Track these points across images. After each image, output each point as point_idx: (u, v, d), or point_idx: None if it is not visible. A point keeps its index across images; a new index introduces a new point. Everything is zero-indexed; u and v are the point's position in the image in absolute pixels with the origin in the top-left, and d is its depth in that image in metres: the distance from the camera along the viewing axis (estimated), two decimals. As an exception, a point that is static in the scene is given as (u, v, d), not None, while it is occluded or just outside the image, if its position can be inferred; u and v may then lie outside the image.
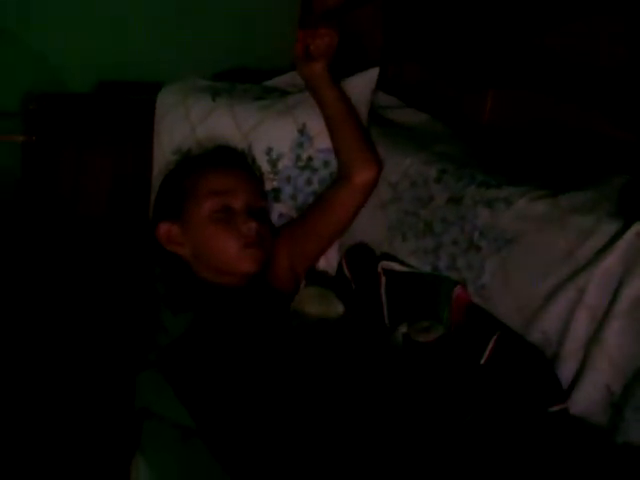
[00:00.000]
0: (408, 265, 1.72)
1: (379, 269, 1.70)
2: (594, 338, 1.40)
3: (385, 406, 1.39)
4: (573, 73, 1.82)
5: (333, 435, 1.34)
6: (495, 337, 1.50)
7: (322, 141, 1.87)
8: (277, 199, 1.90)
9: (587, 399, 1.41)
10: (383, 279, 1.69)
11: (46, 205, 1.90)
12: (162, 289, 1.67)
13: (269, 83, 2.07)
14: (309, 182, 1.90)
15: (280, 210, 1.91)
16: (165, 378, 1.52)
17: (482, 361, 1.50)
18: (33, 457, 1.43)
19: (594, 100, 1.77)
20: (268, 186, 1.89)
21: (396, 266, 1.70)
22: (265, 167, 1.90)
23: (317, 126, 1.87)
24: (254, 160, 1.90)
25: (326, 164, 1.89)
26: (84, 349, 1.58)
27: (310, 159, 1.89)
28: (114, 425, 1.49)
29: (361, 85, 1.92)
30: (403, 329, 1.58)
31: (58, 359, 1.56)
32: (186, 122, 1.92)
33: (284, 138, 1.89)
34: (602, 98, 1.76)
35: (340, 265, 1.83)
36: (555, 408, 1.41)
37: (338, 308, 1.66)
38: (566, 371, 1.45)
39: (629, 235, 1.39)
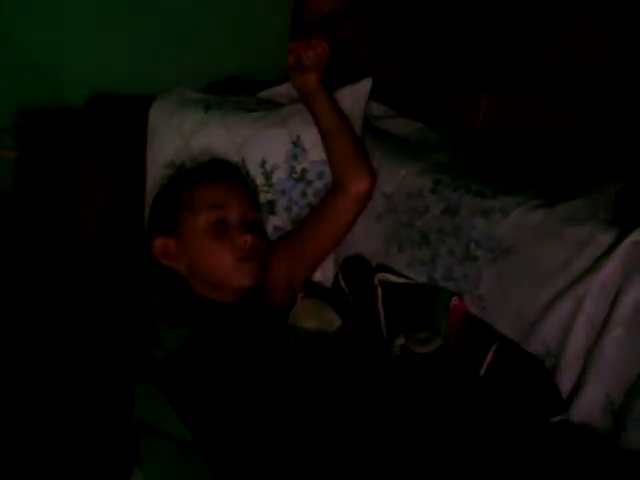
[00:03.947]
0: (404, 276, 1.72)
1: (375, 281, 1.70)
2: (593, 347, 1.40)
3: (384, 419, 1.39)
4: (567, 77, 1.82)
5: (332, 449, 1.34)
6: (494, 348, 1.50)
7: (316, 153, 1.87)
8: (272, 211, 1.90)
9: (587, 408, 1.40)
10: (379, 291, 1.69)
11: (40, 220, 1.89)
12: (158, 303, 1.67)
13: (262, 95, 2.07)
14: (304, 194, 1.89)
15: (275, 223, 1.90)
16: (162, 392, 1.51)
17: (481, 372, 1.50)
18: (32, 472, 1.42)
19: (588, 105, 1.77)
20: (262, 199, 1.89)
21: (392, 277, 1.70)
22: (259, 179, 1.89)
23: (311, 138, 1.87)
24: (248, 173, 1.90)
25: (321, 176, 1.89)
26: (81, 363, 1.57)
27: (305, 171, 1.89)
28: (112, 439, 1.49)
29: (354, 96, 1.92)
30: (401, 341, 1.58)
31: (55, 373, 1.55)
32: (179, 135, 1.92)
33: (278, 150, 1.89)
34: (596, 103, 1.76)
35: (336, 277, 1.82)
36: (556, 419, 1.41)
37: (335, 321, 1.65)
38: (566, 381, 1.45)
39: (626, 244, 1.39)
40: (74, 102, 2.09)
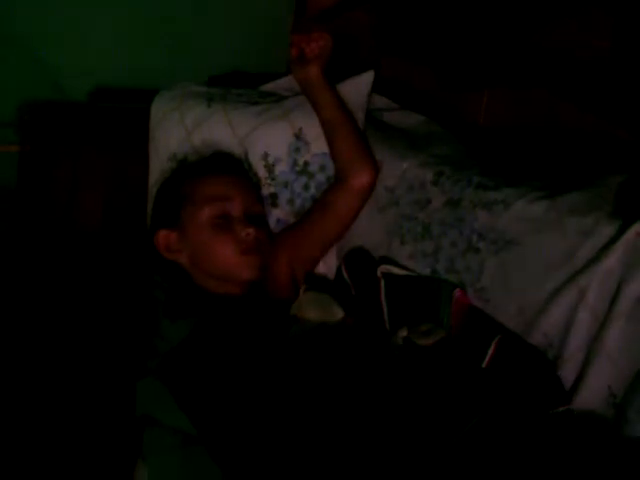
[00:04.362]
0: (407, 268, 1.72)
1: (378, 273, 1.70)
2: (595, 339, 1.40)
3: (387, 411, 1.39)
4: (569, 71, 1.82)
5: (335, 441, 1.34)
6: (496, 340, 1.50)
7: (319, 145, 1.87)
8: (274, 204, 1.90)
9: (589, 401, 1.40)
10: (382, 283, 1.69)
11: (42, 215, 1.89)
12: (161, 296, 1.67)
13: (265, 87, 2.06)
14: (306, 187, 1.90)
15: (278, 215, 1.91)
16: (165, 385, 1.51)
17: (484, 364, 1.50)
18: (35, 466, 1.43)
19: (590, 98, 1.77)
20: (265, 191, 1.89)
21: (395, 270, 1.70)
22: (262, 172, 1.89)
23: (313, 130, 1.87)
24: (250, 166, 1.90)
25: (323, 168, 1.89)
26: (84, 357, 1.57)
27: (307, 164, 1.89)
28: (115, 433, 1.49)
29: (357, 88, 1.92)
30: (403, 333, 1.58)
31: (58, 367, 1.56)
32: (181, 128, 1.92)
33: (280, 143, 1.89)
34: (599, 96, 1.76)
35: (339, 270, 1.82)
36: (558, 410, 1.41)
37: (338, 313, 1.65)
38: (568, 373, 1.44)
39: (628, 235, 1.39)
40: (77, 96, 2.10)
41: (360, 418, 1.37)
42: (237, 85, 2.05)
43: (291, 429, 1.36)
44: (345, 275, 1.79)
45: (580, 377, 1.42)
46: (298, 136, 1.89)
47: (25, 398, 1.51)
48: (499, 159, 1.80)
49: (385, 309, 1.68)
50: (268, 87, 2.06)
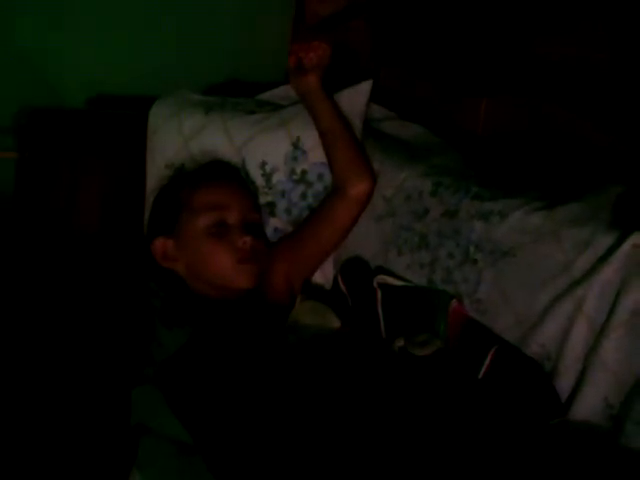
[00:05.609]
0: (404, 279, 1.72)
1: (375, 283, 1.70)
2: (592, 350, 1.40)
3: (382, 420, 1.39)
4: (567, 81, 1.82)
5: (332, 450, 1.33)
6: (492, 351, 1.50)
7: (316, 154, 1.87)
8: (272, 213, 1.90)
9: (586, 412, 1.40)
10: (379, 293, 1.69)
11: (40, 221, 1.89)
12: (157, 304, 1.66)
13: (262, 96, 2.06)
14: (304, 196, 1.89)
15: (275, 224, 1.90)
16: (162, 393, 1.51)
17: (480, 375, 1.49)
18: (30, 474, 1.42)
19: (589, 108, 1.77)
20: (262, 200, 1.89)
21: (392, 280, 1.70)
22: (259, 181, 1.89)
23: (311, 139, 1.87)
24: (248, 174, 1.90)
25: (320, 177, 1.89)
26: (80, 364, 1.57)
27: (304, 173, 1.89)
28: (111, 441, 1.48)
29: (355, 98, 1.92)
30: (400, 343, 1.58)
31: (54, 374, 1.55)
32: (179, 137, 1.92)
33: (278, 152, 1.89)
34: (597, 106, 1.76)
35: (336, 280, 1.82)
36: (554, 421, 1.41)
37: (334, 322, 1.65)
38: (565, 384, 1.44)
39: (626, 246, 1.38)
40: (75, 103, 2.10)
41: (359, 427, 1.36)
42: (235, 94, 2.05)
43: (288, 439, 1.36)
44: (342, 285, 1.79)
45: (577, 388, 1.42)
46: (296, 145, 1.88)
47: (21, 405, 1.50)
48: (497, 169, 1.80)
49: (381, 319, 1.68)
50: (265, 96, 2.06)
